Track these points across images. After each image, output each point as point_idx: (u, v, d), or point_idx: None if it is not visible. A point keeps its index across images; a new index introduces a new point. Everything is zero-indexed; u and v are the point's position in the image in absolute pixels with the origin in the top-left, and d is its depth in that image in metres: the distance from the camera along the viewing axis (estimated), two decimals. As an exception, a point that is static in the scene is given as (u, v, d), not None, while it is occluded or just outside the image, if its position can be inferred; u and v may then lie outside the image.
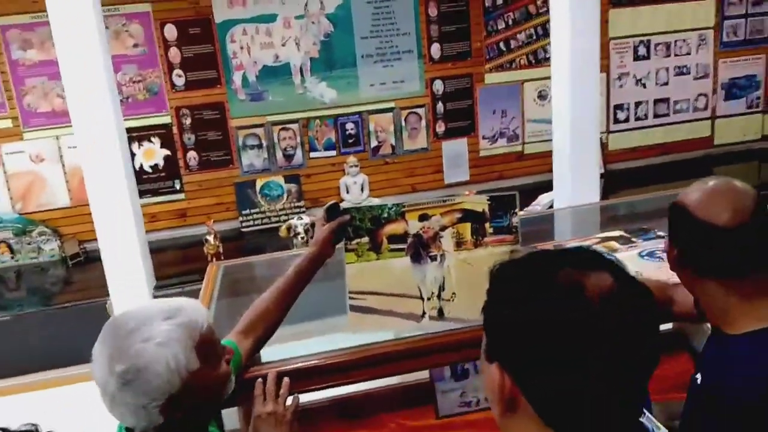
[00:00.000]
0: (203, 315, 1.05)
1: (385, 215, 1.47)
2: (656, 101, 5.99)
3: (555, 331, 0.63)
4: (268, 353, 1.44)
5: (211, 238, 4.17)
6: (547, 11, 5.50)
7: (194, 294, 1.85)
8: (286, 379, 1.28)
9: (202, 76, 4.92)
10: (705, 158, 6.11)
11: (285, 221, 4.36)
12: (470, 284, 1.47)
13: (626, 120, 5.93)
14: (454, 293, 1.48)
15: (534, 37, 5.58)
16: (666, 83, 5.96)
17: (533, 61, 5.60)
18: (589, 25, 4.61)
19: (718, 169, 6.07)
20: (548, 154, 5.45)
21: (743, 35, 5.98)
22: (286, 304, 1.41)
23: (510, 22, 5.48)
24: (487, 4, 5.39)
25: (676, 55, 5.93)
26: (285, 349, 1.48)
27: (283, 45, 5.00)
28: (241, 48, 4.95)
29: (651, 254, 1.78)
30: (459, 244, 1.47)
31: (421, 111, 5.30)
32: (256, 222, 5.08)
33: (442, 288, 1.48)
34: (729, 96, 6.11)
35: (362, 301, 1.47)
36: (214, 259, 4.12)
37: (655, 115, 6.01)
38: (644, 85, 5.93)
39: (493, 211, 1.47)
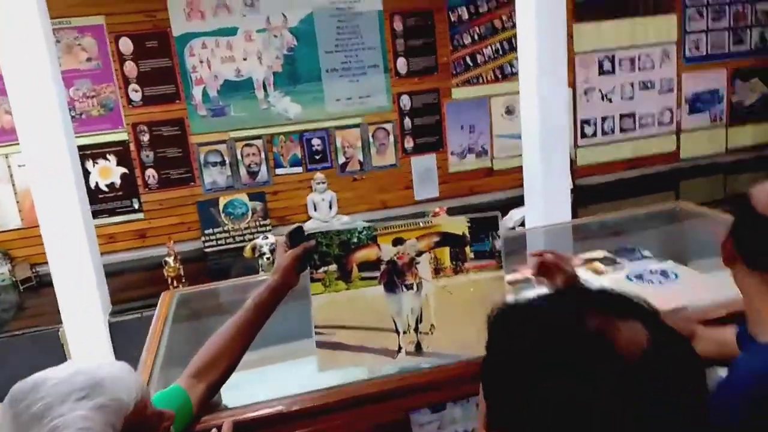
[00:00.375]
0: (132, 388, 0.85)
1: (355, 240, 1.32)
2: (622, 116, 6.00)
3: (580, 401, 0.49)
4: (225, 397, 1.27)
5: (171, 260, 3.96)
6: (513, 26, 5.48)
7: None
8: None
9: (161, 91, 4.73)
10: (672, 172, 6.14)
11: (250, 240, 4.18)
12: (451, 315, 1.33)
13: (594, 135, 5.92)
14: (432, 325, 1.34)
15: (500, 52, 5.53)
16: (631, 98, 5.98)
17: (500, 76, 5.55)
18: (555, 40, 4.58)
19: (684, 183, 6.11)
20: (518, 170, 5.40)
21: (705, 50, 6.05)
22: (245, 342, 1.25)
23: (476, 37, 5.43)
24: (452, 19, 5.33)
25: (640, 69, 5.96)
26: (244, 392, 1.31)
27: (245, 59, 4.85)
28: (201, 62, 4.77)
29: (640, 276, 1.68)
30: (437, 270, 1.34)
31: (388, 126, 5.19)
32: (219, 242, 4.88)
33: (419, 320, 1.34)
34: (693, 110, 6.16)
35: (331, 336, 1.32)
36: (174, 282, 3.92)
37: (622, 130, 6.02)
38: (610, 100, 5.94)
39: (473, 233, 1.34)
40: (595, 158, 5.81)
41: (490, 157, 5.53)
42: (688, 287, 1.57)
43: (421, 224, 1.34)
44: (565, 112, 4.67)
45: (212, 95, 4.83)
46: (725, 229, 1.12)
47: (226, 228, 4.88)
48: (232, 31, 4.76)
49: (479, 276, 1.34)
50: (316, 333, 1.31)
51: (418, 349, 1.33)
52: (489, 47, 5.47)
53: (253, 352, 1.30)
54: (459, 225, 1.34)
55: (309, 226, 1.26)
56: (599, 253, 1.88)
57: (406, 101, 5.22)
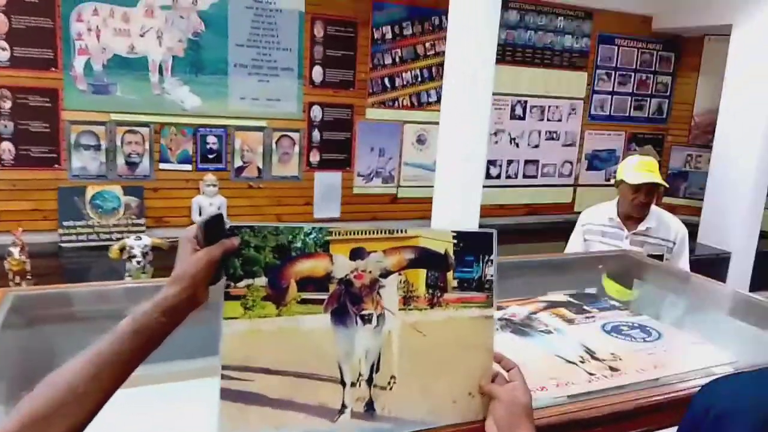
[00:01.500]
0: None
1: (299, 244, 0.91)
2: (527, 162, 6.01)
3: None
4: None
5: (16, 251, 3.26)
6: (435, 54, 5.32)
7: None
8: None
9: (34, 54, 4.00)
10: (565, 223, 6.19)
11: (118, 240, 3.54)
12: (420, 364, 0.95)
13: (498, 176, 5.86)
14: (393, 377, 0.95)
15: (419, 78, 5.33)
16: (537, 146, 6.01)
17: (416, 103, 5.34)
18: (484, 77, 4.45)
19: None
20: (422, 200, 5.19)
21: (608, 111, 6.24)
22: (110, 384, 0.80)
23: (397, 59, 5.19)
24: (376, 36, 5.06)
25: (548, 119, 6.02)
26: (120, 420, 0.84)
27: (142, 36, 4.25)
28: (89, 30, 4.11)
29: (617, 329, 1.40)
30: (407, 299, 0.96)
31: (295, 135, 4.77)
32: (80, 237, 4.16)
33: (375, 368, 0.94)
34: (591, 167, 6.31)
35: (245, 383, 0.89)
36: (17, 278, 3.24)
37: (525, 176, 6.01)
38: (517, 145, 5.93)
39: (459, 254, 0.98)
40: (498, 200, 5.73)
41: (396, 183, 5.26)
42: (678, 348, 1.31)
43: (391, 233, 0.96)
44: (484, 151, 4.52)
45: (96, 69, 4.16)
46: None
47: (90, 222, 4.18)
48: (131, 2, 4.16)
49: (462, 313, 0.97)
50: (224, 377, 0.88)
51: (370, 409, 0.93)
52: (409, 72, 5.25)
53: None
54: (442, 240, 0.97)
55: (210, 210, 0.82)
56: (561, 297, 1.60)
57: (317, 112, 4.84)
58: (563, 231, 6.02)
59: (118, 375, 0.80)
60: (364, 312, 0.93)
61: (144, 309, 0.82)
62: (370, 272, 0.94)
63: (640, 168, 2.77)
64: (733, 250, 5.16)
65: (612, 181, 6.34)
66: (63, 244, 4.08)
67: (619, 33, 6.09)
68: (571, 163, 6.21)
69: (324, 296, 0.92)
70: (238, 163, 4.57)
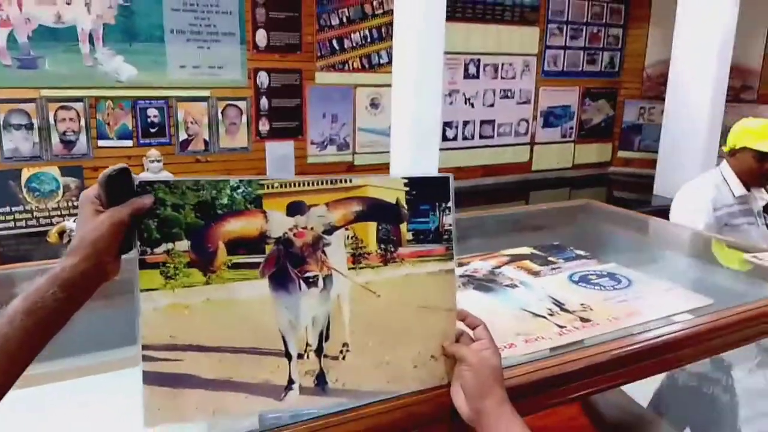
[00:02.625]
0: None
1: (225, 201, 0.78)
2: (482, 122, 5.93)
3: None
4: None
5: (-59, 242, 3.01)
6: (384, 13, 5.14)
7: None
8: None
9: (-53, 28, 3.69)
10: (523, 182, 6.19)
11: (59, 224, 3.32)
12: (375, 329, 0.84)
13: (454, 138, 5.77)
14: (345, 345, 0.83)
15: (369, 40, 5.15)
16: (492, 105, 5.93)
17: (367, 66, 5.17)
18: (434, 35, 4.32)
19: (534, 194, 6.18)
20: (379, 167, 5.08)
21: (561, 66, 6.19)
22: (9, 368, 0.67)
23: (344, 20, 5.00)
24: (320, -5, 4.85)
25: (502, 77, 5.93)
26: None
27: (68, 3, 3.96)
28: (9, 0, 3.80)
29: (585, 279, 1.32)
30: (357, 258, 0.84)
31: (242, 104, 4.56)
32: (18, 223, 3.91)
33: (325, 336, 0.83)
34: (546, 124, 6.28)
35: (172, 363, 0.76)
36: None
37: (481, 136, 5.94)
38: (472, 105, 5.83)
39: (413, 203, 0.86)
40: (455, 162, 5.64)
41: (351, 150, 5.11)
42: (649, 294, 1.24)
43: (334, 183, 0.83)
44: (439, 112, 4.42)
45: (21, 42, 3.87)
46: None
47: (28, 207, 3.93)
48: (53, -34, 3.85)
49: (420, 269, 0.86)
50: (145, 359, 0.75)
51: (321, 383, 0.82)
52: (357, 33, 5.07)
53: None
54: (393, 189, 0.85)
55: (145, 175, 0.68)
56: (525, 250, 1.51)
57: (264, 78, 4.63)
58: (521, 191, 6.05)
59: (13, 361, 0.67)
60: (307, 274, 0.81)
61: (38, 285, 0.69)
62: (312, 229, 0.82)
63: None
64: (688, 199, 5.20)
65: (569, 138, 6.38)
66: (0, 232, 3.84)
67: (569, -14, 6.01)
68: (527, 121, 6.15)
69: (259, 259, 0.79)
70: (182, 136, 4.35)
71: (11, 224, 3.91)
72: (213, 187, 0.78)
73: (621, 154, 6.65)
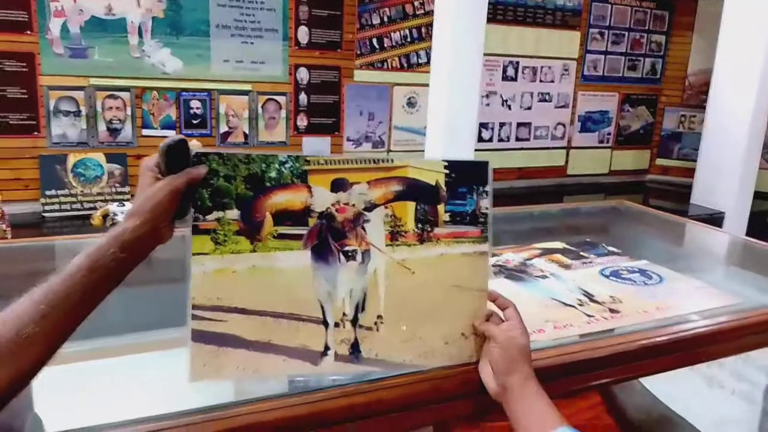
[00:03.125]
0: None
1: (274, 174, 0.83)
2: (519, 124, 5.91)
3: None
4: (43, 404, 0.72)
5: (-5, 220, 3.16)
6: (425, 13, 5.18)
7: None
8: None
9: (8, 17, 3.84)
10: (558, 186, 6.15)
11: (102, 208, 3.45)
12: (408, 304, 0.88)
13: (490, 140, 5.76)
14: (380, 317, 0.88)
15: (408, 39, 5.18)
16: (529, 107, 5.90)
17: (405, 65, 5.20)
18: (473, 37, 4.34)
19: (567, 198, 6.14)
20: (413, 165, 5.13)
21: (602, 71, 6.13)
22: (67, 322, 0.72)
23: (385, 19, 5.04)
24: (363, -6, 4.91)
25: (541, 81, 5.90)
26: (61, 409, 0.77)
27: (120, -4, 4.08)
28: (64, -9, 3.95)
29: (616, 274, 1.33)
30: (395, 235, 0.88)
31: (281, 99, 4.64)
32: (63, 206, 4.05)
33: (360, 308, 0.87)
34: (584, 129, 6.22)
35: (218, 324, 0.81)
36: (-4, 249, 3.14)
37: (517, 139, 5.92)
38: (509, 107, 5.82)
39: (452, 186, 0.90)
40: (490, 164, 5.63)
41: (387, 148, 5.16)
42: (680, 291, 1.25)
43: (376, 163, 0.88)
44: (475, 113, 4.43)
45: (73, 32, 4.01)
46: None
47: (73, 191, 4.07)
48: (106, -40, 3.99)
49: (454, 249, 0.90)
50: (194, 318, 0.80)
51: (355, 351, 0.86)
52: (398, 32, 5.11)
53: (76, 364, 0.77)
54: (433, 171, 0.89)
55: (196, 144, 0.74)
56: (557, 245, 1.53)
57: (303, 74, 4.70)
58: (556, 195, 6.00)
59: (72, 315, 0.72)
60: (347, 248, 0.85)
61: (99, 244, 0.74)
62: (354, 205, 0.86)
63: None
64: (726, 210, 5.12)
65: (606, 144, 6.32)
66: (46, 214, 3.98)
67: (613, -9, 5.95)
68: (563, 125, 6.11)
69: (303, 231, 0.84)
70: (223, 128, 4.45)
71: (56, 207, 4.05)
72: (263, 161, 0.83)
73: (659, 161, 6.56)
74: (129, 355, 1.14)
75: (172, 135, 0.79)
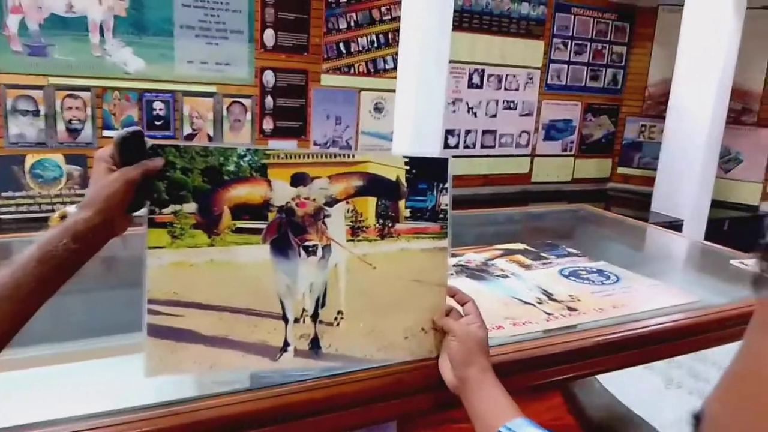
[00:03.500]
0: None
1: (232, 167, 0.82)
2: (484, 131, 5.98)
3: None
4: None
5: (-56, 221, 3.05)
6: (392, 19, 5.21)
7: None
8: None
9: (-38, 12, 3.73)
10: (522, 193, 6.24)
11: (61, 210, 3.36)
12: (369, 299, 0.88)
13: (456, 146, 5.81)
14: (340, 313, 0.87)
15: (375, 44, 5.20)
16: (495, 115, 5.98)
17: (372, 70, 5.22)
18: (439, 43, 4.38)
19: (532, 205, 6.24)
20: (379, 170, 5.14)
21: (565, 81, 6.25)
22: (9, 321, 0.70)
23: (352, 23, 5.05)
24: (330, -1, 4.91)
25: (506, 89, 5.98)
26: (13, 410, 0.74)
27: (81, -6, 4.00)
28: (22, -13, 3.85)
29: (575, 274, 1.36)
30: (355, 230, 0.88)
31: (247, 102, 4.60)
32: (20, 208, 3.94)
33: (321, 303, 0.86)
34: (547, 137, 6.33)
35: (174, 318, 0.80)
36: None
37: (482, 146, 5.99)
38: (475, 114, 5.88)
39: (412, 182, 0.90)
40: (455, 170, 5.64)
41: (353, 152, 5.16)
42: (637, 290, 1.28)
43: (337, 158, 0.87)
44: (441, 120, 4.47)
45: (32, 29, 3.91)
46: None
47: (31, 193, 3.95)
48: (67, -44, 3.91)
49: (415, 245, 0.90)
50: (150, 312, 0.79)
51: (315, 347, 0.86)
52: (364, 37, 5.12)
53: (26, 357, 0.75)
54: (393, 167, 0.89)
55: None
56: (518, 246, 1.55)
57: (270, 77, 4.67)
58: (520, 202, 6.09)
59: (22, 308, 0.70)
60: (307, 243, 0.85)
61: (51, 235, 0.73)
62: (314, 200, 0.86)
63: None
64: (685, 218, 5.26)
65: (569, 152, 6.44)
66: (1, 216, 3.86)
67: (576, 2, 6.08)
68: (528, 133, 6.20)
69: (262, 225, 0.83)
70: (187, 130, 4.39)
71: (13, 209, 3.94)
72: (221, 154, 0.82)
73: (620, 170, 6.71)
74: (87, 360, 1.11)
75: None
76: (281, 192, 0.84)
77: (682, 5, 5.28)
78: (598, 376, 1.81)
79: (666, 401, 2.00)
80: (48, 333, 0.90)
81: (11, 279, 0.70)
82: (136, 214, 0.79)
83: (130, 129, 0.78)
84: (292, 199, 0.85)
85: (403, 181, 0.90)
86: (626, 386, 1.75)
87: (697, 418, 0.43)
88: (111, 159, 0.77)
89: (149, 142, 0.80)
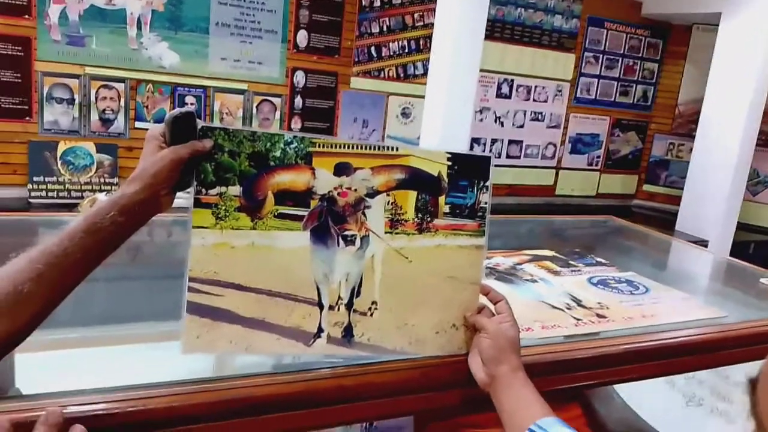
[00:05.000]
0: None
1: (278, 153, 0.84)
2: (510, 142, 5.96)
3: None
4: (25, 378, 0.72)
5: (-21, 202, 3.12)
6: (424, 26, 5.24)
7: None
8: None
9: (7, 0, 3.82)
10: (545, 205, 6.21)
11: (90, 197, 3.42)
12: (403, 292, 0.89)
13: (481, 155, 5.81)
14: (374, 303, 0.88)
15: (406, 50, 5.23)
16: (522, 126, 5.96)
17: (402, 75, 5.24)
18: (471, 54, 4.40)
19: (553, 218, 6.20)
20: (404, 175, 5.14)
21: (594, 94, 6.22)
22: (58, 287, 0.72)
23: (384, 29, 5.09)
24: (363, 3, 4.95)
25: (534, 100, 5.97)
26: (53, 374, 0.76)
27: (121, -13, 4.08)
28: (65, -21, 3.94)
29: (604, 282, 1.35)
30: (394, 223, 0.89)
31: (277, 101, 4.65)
32: (50, 194, 4.01)
33: (356, 292, 0.88)
34: (574, 150, 6.29)
35: (213, 298, 0.81)
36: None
37: (508, 156, 5.97)
38: (502, 124, 5.87)
39: (454, 178, 0.91)
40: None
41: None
42: (666, 301, 1.27)
43: (380, 150, 0.89)
44: (469, 128, 4.48)
45: (72, 19, 3.99)
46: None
47: (61, 179, 4.03)
48: (110, -50, 3.99)
49: (452, 241, 0.91)
50: (191, 290, 0.80)
51: (348, 335, 0.87)
52: (396, 42, 5.15)
53: (68, 330, 0.77)
54: (435, 161, 0.90)
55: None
56: (547, 252, 1.55)
57: (300, 78, 4.72)
58: (543, 213, 6.06)
59: (69, 276, 0.72)
60: (346, 232, 0.86)
61: (98, 207, 0.75)
62: (356, 190, 0.87)
63: None
64: (710, 239, 5.19)
65: (595, 166, 6.40)
66: (32, 200, 3.94)
67: (609, 17, 6.05)
68: (554, 145, 6.17)
69: (304, 212, 0.85)
70: (216, 126, 4.44)
71: (43, 193, 4.01)
72: (268, 140, 0.83)
73: (646, 187, 6.64)
74: (123, 345, 1.13)
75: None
76: (324, 181, 0.85)
77: (717, 24, 5.22)
78: (619, 390, 1.79)
79: (686, 419, 1.97)
80: (84, 317, 0.92)
81: (59, 248, 0.72)
82: (181, 193, 0.81)
83: (183, 109, 0.80)
84: (334, 189, 0.86)
85: (445, 176, 0.91)
86: (646, 401, 1.74)
87: (753, 384, 0.43)
88: (162, 137, 0.79)
89: (200, 123, 0.82)
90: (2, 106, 3.89)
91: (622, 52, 6.17)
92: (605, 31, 6.04)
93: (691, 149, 5.46)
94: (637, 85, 6.37)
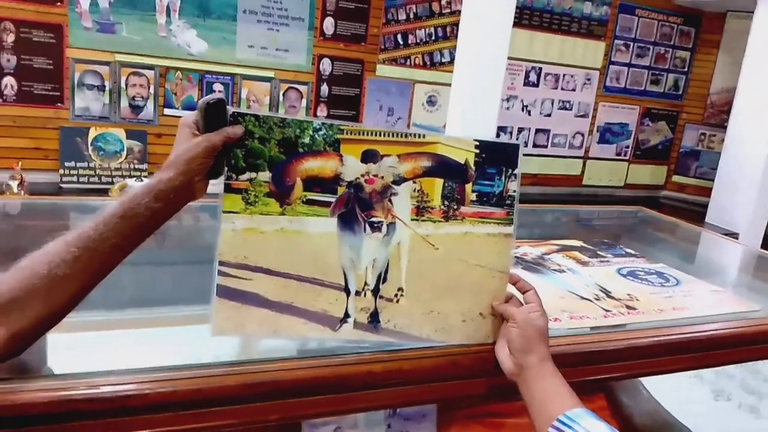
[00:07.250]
0: None
1: (307, 140, 0.84)
2: (537, 131, 5.89)
3: None
4: (56, 359, 0.74)
5: (14, 184, 3.20)
6: (451, 13, 5.18)
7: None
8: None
9: (39, -13, 3.89)
10: (571, 195, 6.13)
11: (121, 182, 3.48)
12: (429, 280, 0.89)
13: (507, 144, 5.75)
14: (401, 290, 0.88)
15: (433, 38, 5.19)
16: (549, 114, 5.89)
17: (428, 63, 5.21)
18: (499, 41, 4.34)
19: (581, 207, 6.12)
20: (429, 164, 5.12)
21: (624, 83, 6.10)
22: (94, 270, 0.73)
23: (411, 16, 5.06)
24: (390, -10, 4.92)
25: (562, 88, 5.88)
26: (84, 355, 0.78)
27: (151, -25, 4.12)
28: (95, -34, 3.99)
29: (633, 274, 1.33)
30: (421, 210, 0.89)
31: (303, 89, 4.66)
32: (81, 179, 4.09)
33: (382, 278, 0.88)
34: (602, 140, 6.20)
35: (242, 281, 0.82)
36: (12, 216, 3.18)
37: (535, 145, 5.91)
38: (529, 112, 5.81)
39: (481, 166, 0.90)
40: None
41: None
42: (697, 294, 1.25)
43: (408, 137, 0.88)
44: (495, 116, 4.43)
45: (103, 7, 4.05)
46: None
47: (92, 164, 4.10)
48: (139, -63, 4.03)
49: (479, 229, 0.90)
50: (220, 274, 0.81)
51: (374, 321, 0.87)
52: (422, 30, 5.12)
53: (98, 314, 0.79)
54: (463, 149, 0.90)
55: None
56: (575, 242, 1.53)
57: (326, 65, 4.72)
58: (570, 203, 5.99)
59: (104, 260, 0.74)
60: (373, 219, 0.86)
61: (134, 193, 0.76)
62: (383, 177, 0.87)
63: None
64: (741, 231, 5.08)
65: (624, 156, 6.30)
66: (63, 185, 4.02)
67: (640, 3, 5.92)
68: (582, 134, 6.09)
69: (331, 199, 0.85)
70: (243, 112, 4.47)
71: (74, 178, 4.09)
72: (297, 126, 0.84)
73: (675, 178, 6.52)
74: (153, 328, 1.15)
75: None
76: (352, 167, 0.85)
77: (752, 12, 5.08)
78: (645, 383, 1.77)
79: (714, 413, 1.94)
80: (115, 300, 0.93)
81: (95, 232, 0.73)
82: (214, 181, 0.82)
83: (214, 96, 0.81)
84: (362, 176, 0.86)
85: (472, 164, 0.90)
86: (673, 395, 1.72)
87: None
88: (194, 125, 0.80)
89: (231, 110, 0.82)
90: (35, 92, 3.96)
91: (653, 40, 6.04)
92: (636, 18, 5.91)
93: (723, 140, 5.34)
94: (669, 74, 6.24)
